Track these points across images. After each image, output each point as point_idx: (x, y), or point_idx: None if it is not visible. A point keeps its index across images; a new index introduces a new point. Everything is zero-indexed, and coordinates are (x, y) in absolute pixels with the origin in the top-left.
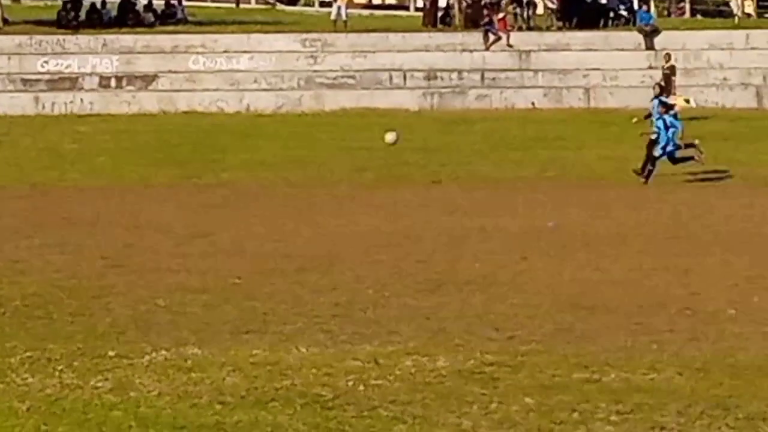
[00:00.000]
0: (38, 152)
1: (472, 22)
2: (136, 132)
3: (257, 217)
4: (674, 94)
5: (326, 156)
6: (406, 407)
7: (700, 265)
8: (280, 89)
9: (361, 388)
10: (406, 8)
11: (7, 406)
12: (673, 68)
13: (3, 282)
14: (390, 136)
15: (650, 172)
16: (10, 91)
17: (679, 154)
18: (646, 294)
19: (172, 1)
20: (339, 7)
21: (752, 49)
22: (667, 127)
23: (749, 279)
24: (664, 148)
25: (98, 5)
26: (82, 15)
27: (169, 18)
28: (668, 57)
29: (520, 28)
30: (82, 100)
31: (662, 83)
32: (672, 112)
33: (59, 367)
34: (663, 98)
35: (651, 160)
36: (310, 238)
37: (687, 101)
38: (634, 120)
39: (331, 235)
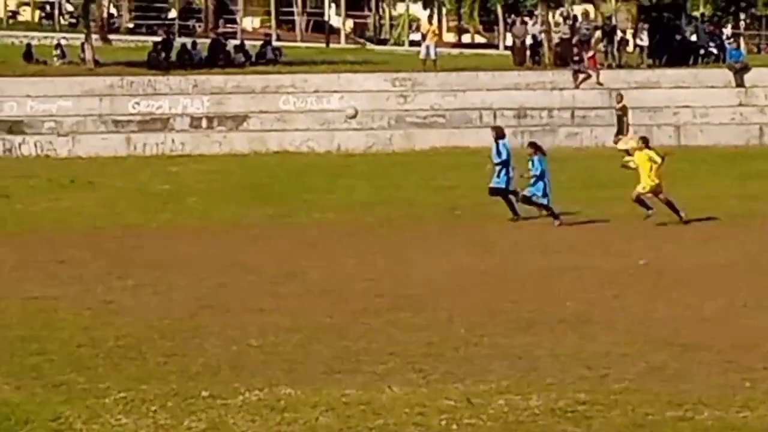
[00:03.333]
0: (130, 193)
1: (561, 60)
2: (227, 172)
3: (349, 256)
4: (625, 134)
5: (417, 195)
6: None
7: None
8: (371, 129)
9: (454, 427)
10: (496, 47)
11: None
12: (624, 108)
13: (97, 323)
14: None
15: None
16: (102, 132)
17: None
18: (740, 332)
19: (272, 42)
20: (428, 46)
21: None
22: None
23: None
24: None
25: (189, 46)
26: (173, 56)
27: (259, 58)
28: (620, 97)
29: (609, 66)
30: (173, 140)
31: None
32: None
33: (153, 408)
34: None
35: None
36: (401, 277)
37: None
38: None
39: (422, 274)
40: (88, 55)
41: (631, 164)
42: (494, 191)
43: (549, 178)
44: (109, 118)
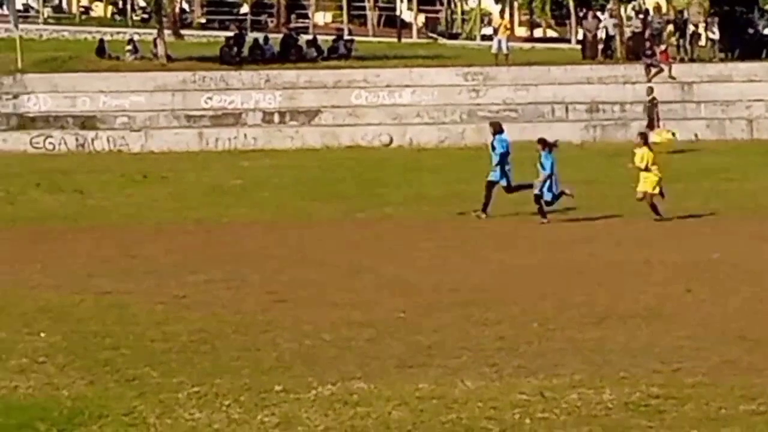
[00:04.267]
0: (203, 188)
1: (633, 53)
2: (299, 167)
3: (421, 250)
4: (658, 127)
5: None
6: None
7: None
8: (443, 123)
9: (528, 421)
10: (567, 41)
11: None
12: (655, 101)
13: (170, 318)
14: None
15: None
16: (175, 127)
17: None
18: None
19: (346, 36)
20: (500, 41)
21: None
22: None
23: None
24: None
25: (261, 41)
26: (245, 51)
27: (331, 53)
28: (650, 90)
29: (682, 60)
30: (245, 135)
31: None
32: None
33: (226, 402)
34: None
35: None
36: (474, 272)
37: (673, 134)
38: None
39: (495, 269)
40: (161, 50)
41: (636, 162)
42: (495, 185)
43: (557, 173)
44: (181, 113)
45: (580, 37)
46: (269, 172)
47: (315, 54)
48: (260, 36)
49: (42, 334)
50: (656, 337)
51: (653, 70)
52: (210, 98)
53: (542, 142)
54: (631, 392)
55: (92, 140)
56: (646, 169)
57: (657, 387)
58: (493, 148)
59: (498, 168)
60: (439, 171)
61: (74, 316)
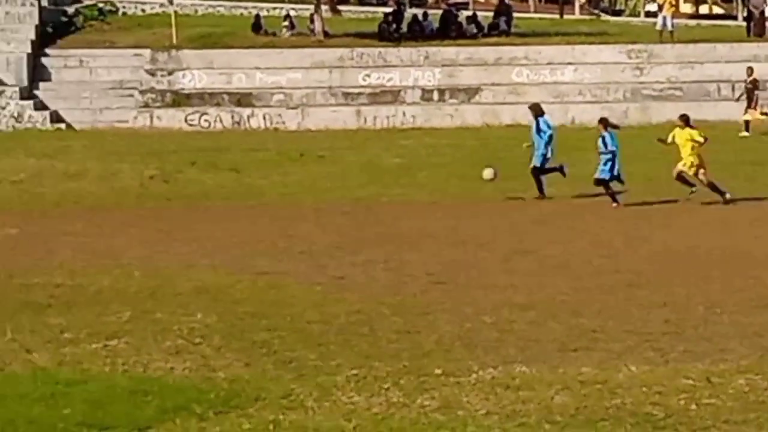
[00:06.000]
0: (360, 167)
1: None
2: (459, 146)
3: (584, 232)
4: (754, 108)
5: (652, 170)
6: (740, 427)
7: None
8: (606, 102)
9: (693, 407)
10: (734, 18)
11: (334, 424)
12: (755, 82)
13: (328, 299)
14: (487, 173)
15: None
16: (332, 105)
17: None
18: None
19: (505, 13)
20: (665, 17)
21: None
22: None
23: None
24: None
25: (420, 17)
26: (404, 27)
27: (491, 29)
28: (750, 71)
29: None
30: (404, 113)
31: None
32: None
33: (385, 386)
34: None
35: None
36: (638, 254)
37: (765, 114)
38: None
39: (659, 251)
40: (318, 26)
41: (669, 140)
42: (535, 170)
43: (619, 155)
44: (339, 91)
45: (746, 13)
46: (428, 150)
47: (475, 30)
48: (419, 12)
49: (198, 315)
50: None
51: None
52: (368, 75)
53: (604, 122)
54: None
55: (248, 117)
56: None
57: None
58: (539, 131)
59: (547, 148)
60: None
61: (231, 297)
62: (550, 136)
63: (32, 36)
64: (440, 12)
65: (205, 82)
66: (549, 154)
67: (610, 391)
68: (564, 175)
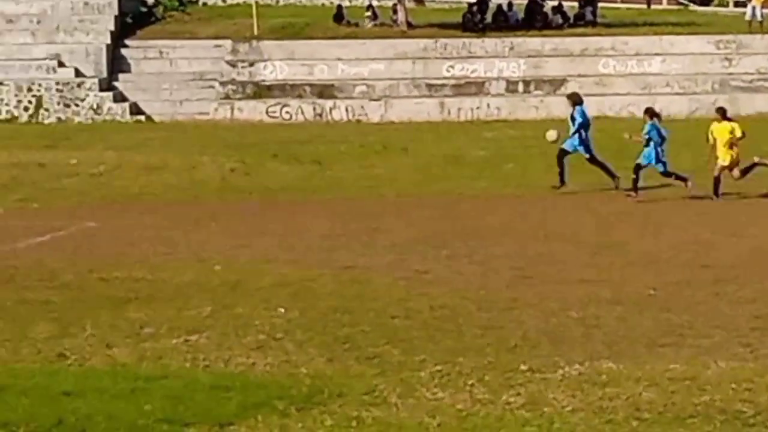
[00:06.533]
0: (444, 159)
1: None
2: (544, 138)
3: (671, 226)
4: None
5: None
6: None
7: None
8: (694, 93)
9: None
10: None
11: (418, 421)
12: None
13: (411, 294)
14: (551, 134)
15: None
16: (415, 97)
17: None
18: None
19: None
20: (754, 8)
21: None
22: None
23: None
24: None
25: (505, 7)
26: (488, 17)
27: (577, 20)
28: None
29: None
30: (488, 105)
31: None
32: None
33: (470, 382)
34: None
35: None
36: (727, 248)
37: None
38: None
39: (749, 245)
40: (401, 16)
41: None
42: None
43: (663, 143)
44: (422, 82)
45: None
46: (513, 143)
47: (561, 20)
48: (504, 2)
49: (280, 310)
50: None
51: None
52: (452, 66)
53: (649, 111)
54: None
55: (330, 109)
56: (734, 143)
57: None
58: (573, 119)
59: (576, 136)
60: (690, 144)
61: (313, 292)
62: (580, 125)
63: (111, 27)
64: (525, 2)
65: (286, 74)
66: (586, 140)
67: (698, 388)
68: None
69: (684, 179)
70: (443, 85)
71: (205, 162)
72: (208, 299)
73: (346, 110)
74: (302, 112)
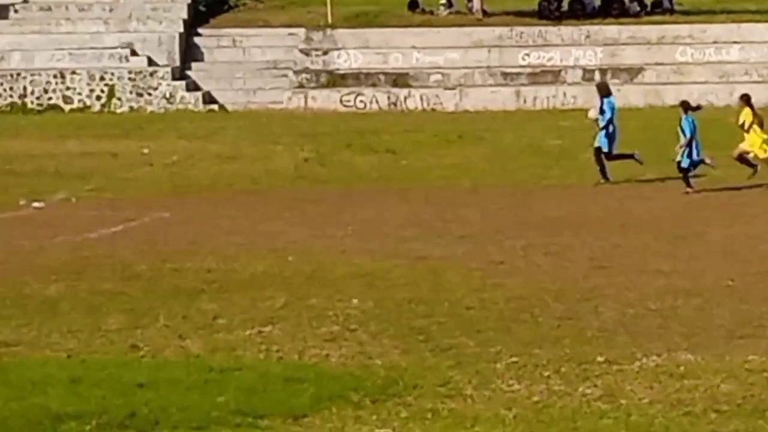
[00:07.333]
0: (520, 149)
1: None
2: (621, 127)
3: (749, 216)
4: None
5: None
6: None
7: None
8: None
9: None
10: None
11: (494, 413)
12: None
13: (486, 284)
14: (593, 112)
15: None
16: (491, 85)
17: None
18: None
19: None
20: None
21: None
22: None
23: None
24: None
25: None
26: (565, 5)
27: (654, 7)
28: None
29: None
30: (564, 93)
31: None
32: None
33: (546, 374)
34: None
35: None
36: None
37: None
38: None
39: None
40: (476, 4)
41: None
42: (597, 151)
43: (697, 138)
44: (497, 71)
45: None
46: (590, 132)
47: (638, 8)
48: None
49: (354, 301)
50: None
51: None
52: (527, 55)
53: (684, 104)
54: None
55: (405, 98)
56: (747, 130)
57: None
58: (602, 112)
59: (603, 132)
60: None
61: (387, 282)
62: (609, 119)
63: (184, 15)
64: None
65: (360, 62)
66: (612, 135)
67: None
68: (640, 162)
69: (689, 183)
70: (519, 74)
71: (278, 152)
72: (282, 290)
73: (421, 99)
74: (376, 101)
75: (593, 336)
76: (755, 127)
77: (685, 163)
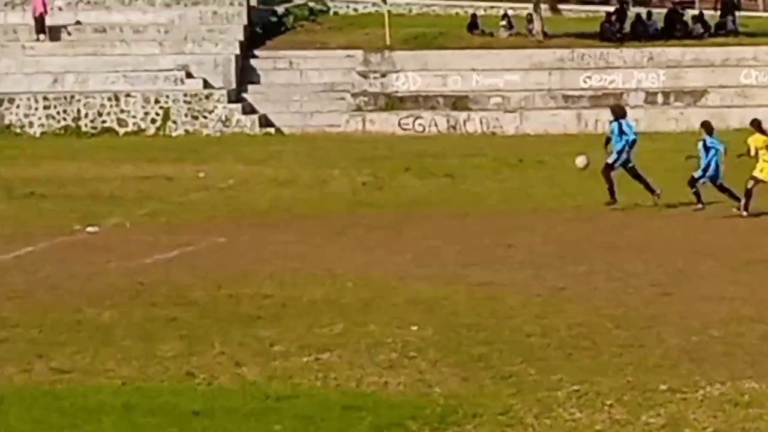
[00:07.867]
0: (581, 173)
1: None
2: (684, 151)
3: None
4: None
5: None
6: None
7: None
8: None
9: None
10: None
11: None
12: None
13: (548, 311)
14: (580, 160)
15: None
16: (551, 108)
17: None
18: None
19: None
20: None
21: None
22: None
23: None
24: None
25: (644, 16)
26: (627, 26)
27: (718, 29)
28: None
29: None
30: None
31: None
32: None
33: (608, 402)
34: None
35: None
36: None
37: None
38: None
39: None
40: (537, 26)
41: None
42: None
43: (716, 157)
44: (558, 93)
45: None
46: (651, 156)
47: (701, 30)
48: (643, 11)
49: (413, 328)
50: None
51: None
52: (589, 77)
53: (706, 125)
54: None
55: (464, 122)
56: (755, 156)
57: None
58: (622, 133)
59: (624, 152)
60: None
61: (446, 309)
62: (632, 141)
63: (241, 37)
64: (665, 11)
65: (419, 85)
66: (624, 154)
67: None
68: (657, 196)
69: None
70: (580, 97)
71: (336, 175)
72: (340, 316)
73: (481, 122)
74: (435, 124)
75: (656, 364)
76: (764, 152)
77: (697, 173)
